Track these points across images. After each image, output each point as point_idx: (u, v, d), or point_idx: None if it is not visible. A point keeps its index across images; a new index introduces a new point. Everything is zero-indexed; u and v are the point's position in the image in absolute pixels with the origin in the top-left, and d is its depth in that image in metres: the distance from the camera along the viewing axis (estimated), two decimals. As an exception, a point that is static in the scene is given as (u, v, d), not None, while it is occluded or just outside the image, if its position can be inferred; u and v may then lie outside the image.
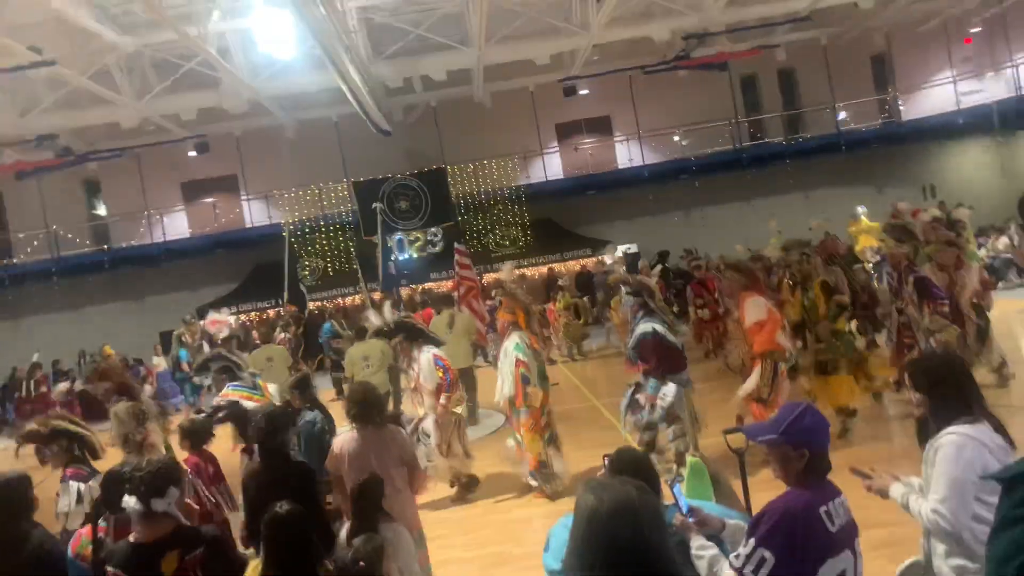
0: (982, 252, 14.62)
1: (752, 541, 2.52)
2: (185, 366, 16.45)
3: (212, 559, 3.05)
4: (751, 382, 6.71)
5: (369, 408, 4.68)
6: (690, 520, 2.67)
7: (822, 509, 2.58)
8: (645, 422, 6.60)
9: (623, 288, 7.60)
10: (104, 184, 24.72)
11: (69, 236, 23.41)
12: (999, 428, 2.89)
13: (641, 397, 6.68)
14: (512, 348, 6.97)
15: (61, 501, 4.64)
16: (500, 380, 7.15)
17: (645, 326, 6.65)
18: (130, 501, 3.03)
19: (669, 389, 6.49)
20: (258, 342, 13.69)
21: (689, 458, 3.60)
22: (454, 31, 18.05)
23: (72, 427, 4.91)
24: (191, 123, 20.49)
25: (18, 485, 3.71)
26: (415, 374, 7.31)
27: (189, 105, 18.97)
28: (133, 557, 3.00)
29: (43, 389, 15.33)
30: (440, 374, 7.14)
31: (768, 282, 8.82)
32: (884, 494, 3.04)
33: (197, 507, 4.35)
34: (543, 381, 7.05)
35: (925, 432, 3.77)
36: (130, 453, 5.49)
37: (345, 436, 4.75)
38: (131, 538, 3.09)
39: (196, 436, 5.53)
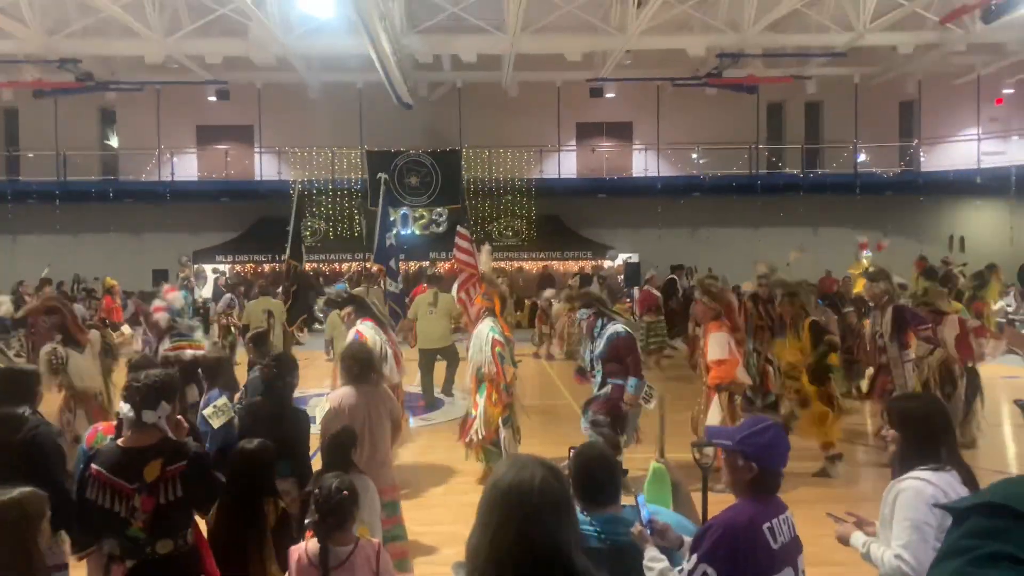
0: (999, 305, 14.51)
1: (695, 557, 2.54)
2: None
3: (192, 473, 3.20)
4: (713, 416, 6.69)
5: (367, 367, 4.90)
6: (648, 532, 2.68)
7: (765, 525, 2.59)
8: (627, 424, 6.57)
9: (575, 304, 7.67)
10: (119, 115, 24.60)
11: (78, 162, 23.30)
12: (969, 481, 2.87)
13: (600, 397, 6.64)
14: (487, 331, 7.09)
15: None
16: (471, 364, 7.26)
17: (615, 327, 6.62)
18: (123, 408, 3.25)
19: (652, 391, 6.48)
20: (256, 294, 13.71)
21: (653, 463, 3.60)
22: (491, 15, 17.94)
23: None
24: (215, 67, 20.38)
25: (26, 376, 4.15)
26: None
27: (216, 50, 18.87)
28: (119, 459, 3.17)
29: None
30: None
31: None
32: (845, 541, 3.04)
33: None
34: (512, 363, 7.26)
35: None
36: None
37: (343, 391, 4.85)
38: (119, 442, 3.27)
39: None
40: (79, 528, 3.28)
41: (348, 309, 7.55)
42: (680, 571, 2.57)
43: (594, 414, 6.25)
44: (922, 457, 2.90)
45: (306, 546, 3.25)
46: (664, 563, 2.64)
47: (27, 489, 2.77)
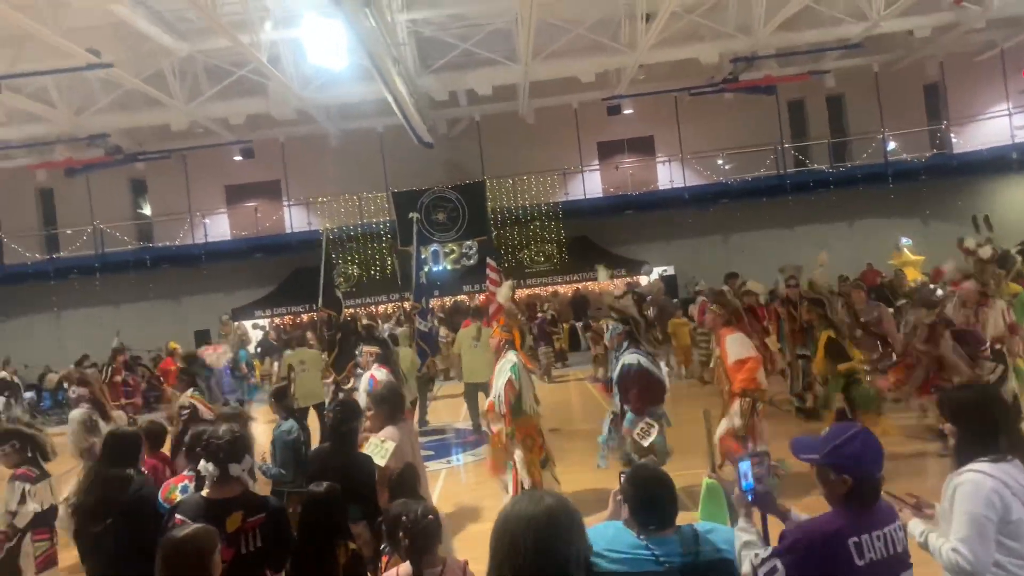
0: None
1: (771, 549, 2.53)
2: (244, 367, 16.69)
3: (271, 526, 3.40)
4: (731, 420, 6.51)
5: (401, 404, 5.12)
6: (748, 498, 2.66)
7: (852, 540, 2.48)
8: (620, 454, 6.48)
9: (612, 315, 7.45)
10: (150, 184, 25.21)
11: (115, 234, 23.89)
12: None
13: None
14: (508, 368, 6.73)
15: (8, 501, 5.00)
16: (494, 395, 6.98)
17: (630, 357, 6.56)
18: (208, 466, 3.41)
19: (651, 428, 6.32)
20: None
21: (705, 480, 3.49)
22: (501, 46, 18.11)
23: (25, 429, 5.29)
24: (238, 128, 20.82)
25: (131, 438, 4.44)
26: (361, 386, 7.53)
27: (238, 111, 19.27)
28: (202, 510, 3.33)
29: (117, 378, 15.33)
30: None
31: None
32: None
33: None
34: (534, 404, 6.81)
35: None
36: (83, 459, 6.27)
37: (390, 431, 4.87)
38: (203, 493, 3.47)
39: (155, 438, 5.68)
40: None
41: (373, 348, 7.57)
42: (757, 556, 2.55)
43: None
44: (981, 448, 2.82)
45: (398, 570, 3.37)
46: (753, 535, 2.62)
47: (199, 526, 3.00)
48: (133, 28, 14.23)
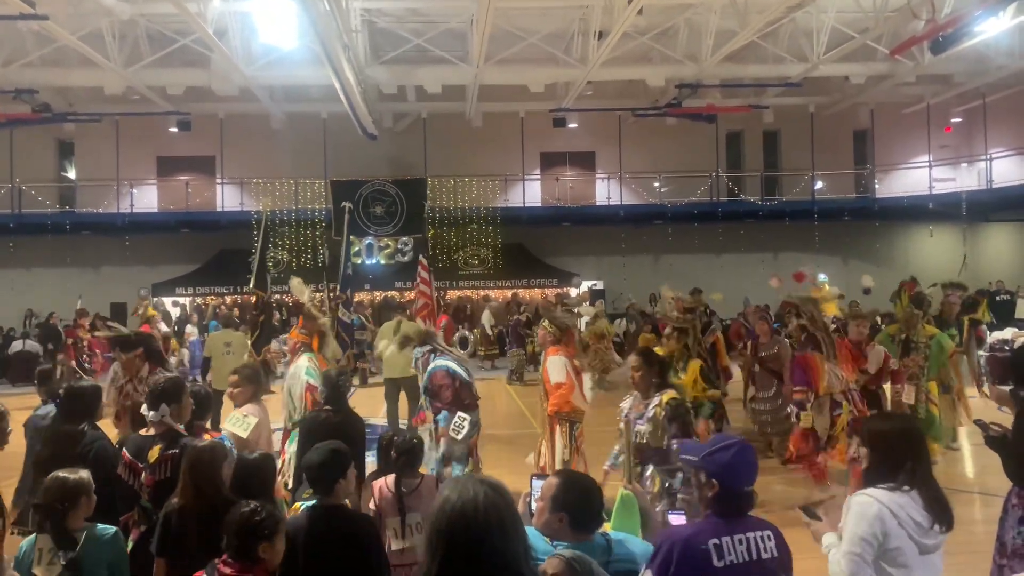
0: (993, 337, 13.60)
1: (645, 566, 2.61)
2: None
3: (180, 458, 3.90)
4: (559, 449, 6.45)
5: (261, 386, 5.59)
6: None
7: (712, 542, 2.57)
8: (442, 454, 6.47)
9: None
10: (78, 147, 24.22)
11: (35, 195, 22.83)
12: (934, 502, 2.89)
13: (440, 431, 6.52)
14: (303, 373, 6.70)
15: None
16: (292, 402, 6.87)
17: (438, 361, 6.65)
18: (144, 408, 4.30)
19: (463, 422, 6.31)
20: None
21: (621, 490, 3.58)
22: (454, 46, 18.13)
23: None
24: (176, 98, 20.22)
25: (92, 391, 4.76)
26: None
27: (177, 81, 18.73)
28: (137, 444, 4.20)
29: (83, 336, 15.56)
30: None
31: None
32: (818, 539, 3.07)
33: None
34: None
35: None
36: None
37: (252, 408, 5.23)
38: (141, 432, 4.29)
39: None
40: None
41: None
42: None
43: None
44: (885, 475, 2.94)
45: (384, 480, 4.31)
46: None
47: (215, 441, 3.92)
48: (75, -17, 13.73)
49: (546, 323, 7.06)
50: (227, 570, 3.00)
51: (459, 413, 6.35)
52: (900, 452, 2.99)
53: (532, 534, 2.53)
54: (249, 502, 3.13)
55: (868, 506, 2.86)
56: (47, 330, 18.71)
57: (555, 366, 6.61)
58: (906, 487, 2.90)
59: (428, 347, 6.86)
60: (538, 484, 2.93)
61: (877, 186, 24.83)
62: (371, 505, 4.31)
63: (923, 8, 15.82)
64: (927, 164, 24.10)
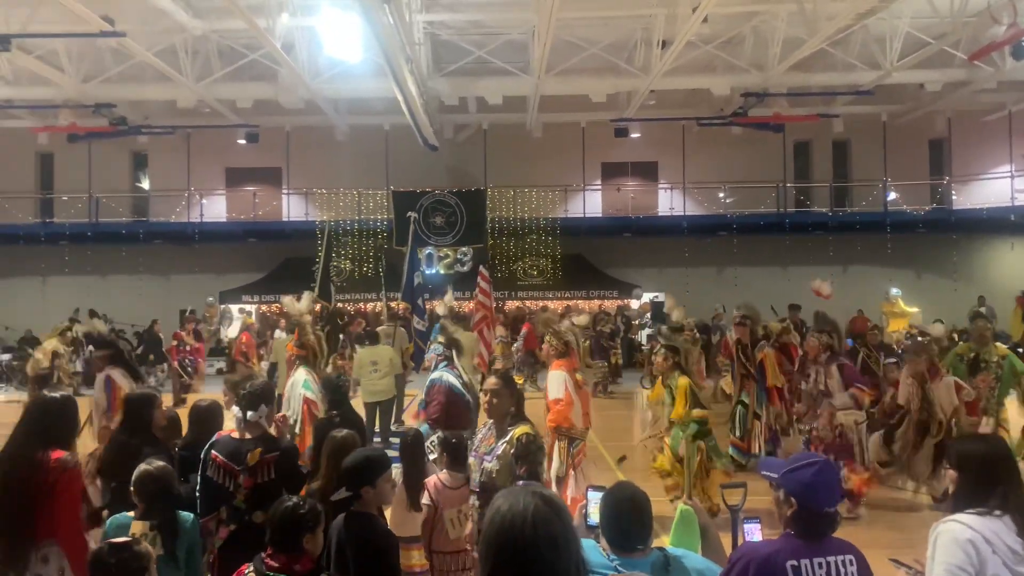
0: None
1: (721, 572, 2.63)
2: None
3: (283, 461, 4.22)
4: (554, 465, 6.27)
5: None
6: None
7: (790, 563, 2.52)
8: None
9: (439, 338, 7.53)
10: (151, 158, 25.11)
11: (111, 204, 23.76)
12: None
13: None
14: (301, 385, 7.05)
15: None
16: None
17: (436, 373, 6.61)
18: (235, 410, 4.44)
19: (433, 444, 6.05)
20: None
21: (680, 505, 3.46)
22: (516, 58, 18.13)
23: None
24: (244, 111, 20.78)
25: (149, 399, 4.93)
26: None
27: (246, 94, 19.21)
28: (230, 447, 4.24)
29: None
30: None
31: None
32: None
33: None
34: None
35: None
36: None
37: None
38: (233, 435, 4.34)
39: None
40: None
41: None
42: None
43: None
44: (975, 500, 2.79)
45: (437, 476, 4.70)
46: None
47: (350, 431, 4.47)
48: (151, 2, 14.20)
49: (549, 337, 6.99)
50: (274, 563, 3.04)
51: (438, 433, 6.17)
52: (991, 475, 2.83)
53: (589, 547, 2.53)
54: (291, 497, 3.31)
55: (960, 533, 2.69)
56: (151, 338, 18.21)
57: (554, 382, 6.54)
58: (998, 512, 2.73)
59: (448, 352, 6.84)
60: (594, 496, 2.93)
61: (954, 197, 23.83)
62: (425, 500, 4.58)
63: (1004, 12, 15.16)
64: (1009, 175, 23.01)
